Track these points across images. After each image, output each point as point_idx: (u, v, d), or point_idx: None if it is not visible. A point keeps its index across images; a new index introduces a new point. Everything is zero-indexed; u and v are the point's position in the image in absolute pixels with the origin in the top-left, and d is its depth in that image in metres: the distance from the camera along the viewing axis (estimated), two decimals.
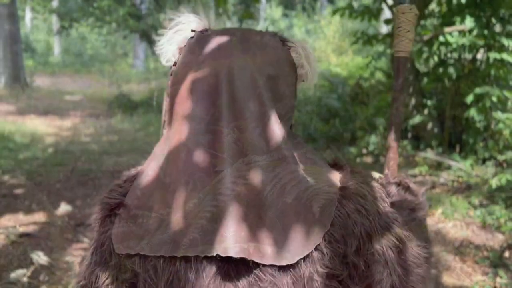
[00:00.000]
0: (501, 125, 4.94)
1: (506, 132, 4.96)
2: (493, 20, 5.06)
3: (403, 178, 1.04)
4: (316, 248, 0.69)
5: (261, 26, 16.77)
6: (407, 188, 1.01)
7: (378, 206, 0.76)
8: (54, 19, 17.22)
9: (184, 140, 0.73)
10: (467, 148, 5.27)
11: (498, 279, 2.80)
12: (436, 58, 5.49)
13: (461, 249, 3.32)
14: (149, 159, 0.79)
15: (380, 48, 7.01)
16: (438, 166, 5.10)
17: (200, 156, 0.72)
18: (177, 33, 0.81)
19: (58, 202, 4.17)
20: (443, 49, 5.43)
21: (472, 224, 3.73)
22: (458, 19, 4.98)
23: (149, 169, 0.77)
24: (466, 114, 5.20)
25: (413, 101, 5.80)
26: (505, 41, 4.82)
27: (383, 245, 0.74)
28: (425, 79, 5.80)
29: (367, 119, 6.33)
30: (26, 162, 5.50)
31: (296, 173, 0.72)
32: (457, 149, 5.33)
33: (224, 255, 0.65)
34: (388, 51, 6.60)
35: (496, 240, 3.44)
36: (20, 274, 2.65)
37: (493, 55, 4.87)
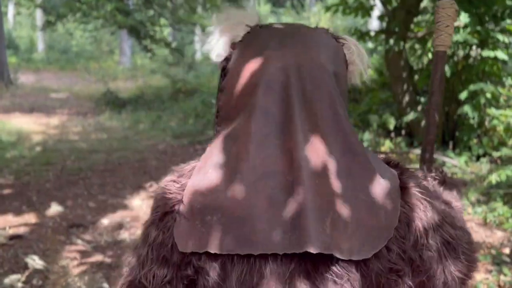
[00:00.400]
0: (495, 122, 4.94)
1: (500, 128, 4.98)
2: (487, 17, 5.06)
3: (439, 172, 1.02)
4: None
5: None
6: (443, 182, 0.98)
7: (433, 203, 0.77)
8: (38, 14, 16.85)
9: (254, 136, 0.71)
10: (460, 144, 5.28)
11: (502, 277, 2.78)
12: (430, 55, 5.48)
13: None
14: (206, 156, 0.76)
15: (371, 45, 6.99)
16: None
17: (274, 154, 0.70)
18: (228, 28, 0.80)
19: (48, 203, 4.04)
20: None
21: (470, 221, 3.72)
22: None
23: (209, 166, 0.74)
24: (460, 110, 5.20)
25: (406, 98, 5.78)
26: (500, 37, 4.82)
27: (438, 241, 0.75)
28: (417, 76, 5.80)
29: (359, 116, 6.31)
30: (14, 161, 5.35)
31: (367, 171, 0.73)
32: (450, 145, 5.33)
33: (314, 252, 0.65)
34: (380, 48, 6.59)
35: (496, 237, 3.43)
36: (14, 279, 2.54)
37: (486, 53, 4.87)
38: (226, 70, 0.80)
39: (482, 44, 5.04)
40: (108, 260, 3.04)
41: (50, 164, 5.26)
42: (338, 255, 0.66)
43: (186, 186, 0.74)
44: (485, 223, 3.61)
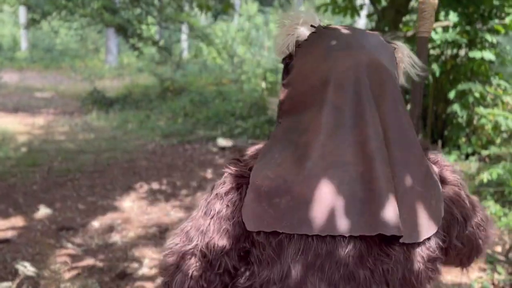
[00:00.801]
0: (483, 120, 4.99)
1: (488, 127, 5.02)
2: (475, 16, 5.10)
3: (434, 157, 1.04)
4: None
5: (236, 22, 16.58)
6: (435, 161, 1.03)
7: (469, 195, 0.87)
8: (21, 12, 16.53)
9: (325, 128, 0.76)
10: (449, 143, 5.32)
11: (496, 275, 2.79)
12: None
13: None
14: (270, 144, 0.81)
15: None
16: None
17: (344, 145, 0.75)
18: (293, 28, 0.85)
19: (36, 205, 3.96)
20: None
21: None
22: (442, 13, 4.99)
23: (275, 152, 0.79)
24: (449, 109, 5.24)
25: None
26: (489, 37, 4.86)
27: (474, 226, 0.87)
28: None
29: None
30: None
31: (421, 165, 0.80)
32: (439, 144, 5.37)
33: (388, 234, 0.72)
34: None
35: None
36: (5, 287, 2.47)
37: (473, 53, 4.91)
38: (290, 66, 0.85)
39: (471, 44, 5.08)
40: (100, 264, 2.98)
41: (37, 165, 5.15)
42: (402, 239, 0.74)
43: (252, 169, 0.78)
44: None
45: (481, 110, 5.01)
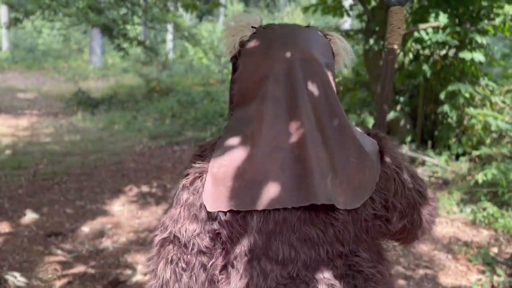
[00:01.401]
0: (473, 121, 5.01)
1: (478, 127, 5.04)
2: (465, 17, 5.12)
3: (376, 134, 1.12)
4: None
5: (221, 22, 16.47)
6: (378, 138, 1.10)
7: (404, 161, 0.97)
8: (2, 11, 16.15)
9: (266, 118, 0.88)
10: (440, 144, 5.33)
11: (495, 277, 2.78)
12: (410, 55, 5.51)
13: (450, 246, 3.30)
14: (225, 136, 0.93)
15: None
16: (412, 162, 5.12)
17: (283, 132, 0.88)
18: (237, 30, 0.96)
19: (22, 210, 3.83)
20: (413, 45, 5.45)
21: (456, 221, 3.74)
22: (432, 15, 5.00)
23: (228, 142, 0.90)
24: (439, 110, 5.25)
25: None
26: (479, 38, 4.88)
27: (412, 191, 0.96)
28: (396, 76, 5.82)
29: None
30: None
31: (354, 141, 0.91)
32: (429, 145, 5.38)
33: (318, 203, 0.85)
34: (357, 47, 6.59)
35: (482, 236, 3.46)
36: None
37: (463, 54, 4.92)
38: (237, 65, 0.96)
39: (461, 45, 5.09)
40: (91, 271, 2.88)
41: (22, 168, 5.00)
42: (337, 206, 0.87)
43: (210, 159, 0.90)
44: (473, 223, 3.63)
45: (471, 110, 5.03)
